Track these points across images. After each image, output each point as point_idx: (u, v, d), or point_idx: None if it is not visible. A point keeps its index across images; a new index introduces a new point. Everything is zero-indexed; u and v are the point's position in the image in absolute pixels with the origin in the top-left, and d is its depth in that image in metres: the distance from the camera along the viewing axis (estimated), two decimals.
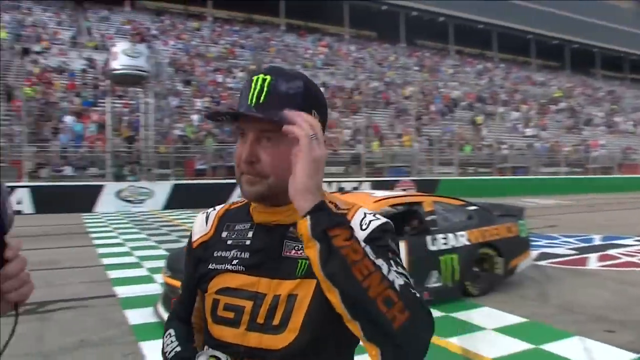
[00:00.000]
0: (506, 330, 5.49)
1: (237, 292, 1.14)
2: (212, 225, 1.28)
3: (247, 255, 1.16)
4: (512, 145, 31.99)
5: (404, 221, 6.92)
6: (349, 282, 0.93)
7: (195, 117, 26.07)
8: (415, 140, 28.26)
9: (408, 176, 24.77)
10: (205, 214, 1.33)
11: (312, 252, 0.96)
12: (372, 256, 0.97)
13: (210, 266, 1.20)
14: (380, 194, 7.17)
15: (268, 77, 1.12)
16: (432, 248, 6.45)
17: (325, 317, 1.06)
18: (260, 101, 1.10)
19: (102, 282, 7.66)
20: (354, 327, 0.96)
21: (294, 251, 1.13)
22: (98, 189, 18.57)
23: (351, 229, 0.99)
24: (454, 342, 5.11)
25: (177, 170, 21.34)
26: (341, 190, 20.63)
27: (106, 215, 16.96)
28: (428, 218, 6.69)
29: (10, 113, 22.30)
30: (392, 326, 0.92)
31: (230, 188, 20.18)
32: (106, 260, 9.19)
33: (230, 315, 1.14)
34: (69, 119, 22.00)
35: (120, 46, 19.16)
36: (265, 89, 1.11)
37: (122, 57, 18.34)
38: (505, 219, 7.60)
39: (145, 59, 19.00)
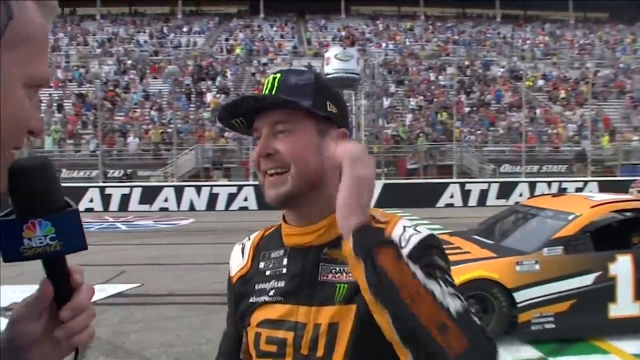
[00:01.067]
0: None
1: (278, 324, 1.08)
2: (248, 257, 1.22)
3: (283, 283, 1.11)
4: None
5: (632, 231, 5.88)
6: (397, 305, 0.86)
7: (408, 117, 26.21)
8: None
9: None
10: (241, 245, 1.26)
11: (358, 273, 0.90)
12: (421, 278, 0.88)
13: (250, 300, 1.14)
14: (601, 197, 6.19)
15: (278, 75, 1.11)
16: None
17: (370, 348, 0.99)
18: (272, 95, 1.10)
19: None
20: (405, 357, 0.88)
21: (330, 275, 1.06)
22: None
23: (397, 247, 0.91)
24: None
25: (389, 170, 21.57)
26: (563, 191, 18.79)
27: None
28: None
29: None
30: (446, 356, 0.83)
31: (441, 188, 19.77)
32: None
33: (273, 348, 1.08)
34: None
35: (333, 51, 20.06)
36: (276, 85, 1.09)
37: (334, 61, 19.19)
38: None
39: (355, 62, 19.61)
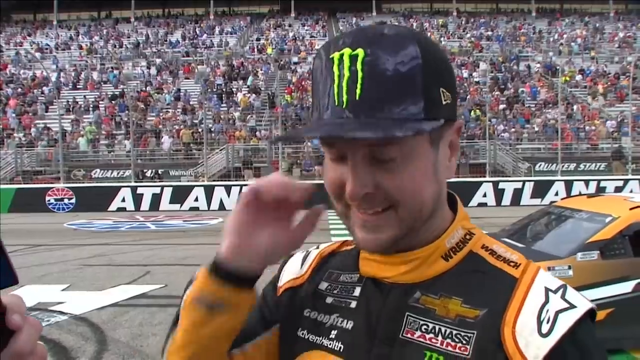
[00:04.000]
0: None
1: None
2: (309, 267, 0.88)
3: (349, 325, 0.76)
4: None
5: None
6: None
7: None
8: None
9: None
10: (304, 252, 0.92)
11: None
12: None
13: (300, 333, 0.80)
14: None
15: (360, 53, 0.64)
16: None
17: None
18: (357, 96, 0.64)
19: None
20: None
21: (418, 332, 0.71)
22: None
23: None
24: None
25: None
26: (602, 190, 18.12)
27: None
28: None
29: (271, 118, 25.13)
30: None
31: (474, 187, 19.30)
32: None
33: None
34: None
35: None
36: (359, 73, 0.64)
37: None
38: None
39: None
